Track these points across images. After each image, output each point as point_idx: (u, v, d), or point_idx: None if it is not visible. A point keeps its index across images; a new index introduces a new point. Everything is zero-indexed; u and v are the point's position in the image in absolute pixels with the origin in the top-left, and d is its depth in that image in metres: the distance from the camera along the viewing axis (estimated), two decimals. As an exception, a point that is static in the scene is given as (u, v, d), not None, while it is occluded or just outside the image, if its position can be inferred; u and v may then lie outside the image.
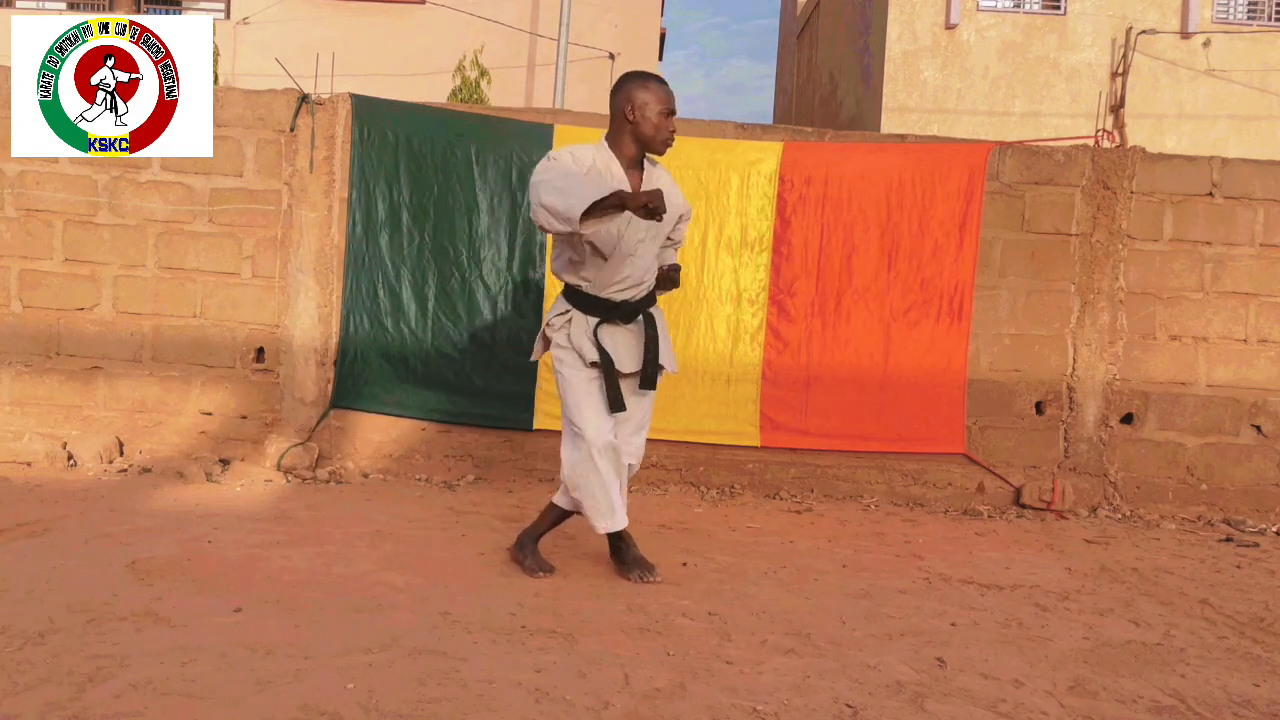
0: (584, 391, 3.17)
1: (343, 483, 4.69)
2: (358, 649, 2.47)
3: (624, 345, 3.22)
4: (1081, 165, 5.08)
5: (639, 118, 3.13)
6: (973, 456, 5.01)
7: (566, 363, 3.21)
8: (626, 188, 3.08)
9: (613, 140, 3.20)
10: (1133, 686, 2.54)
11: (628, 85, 3.18)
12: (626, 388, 3.21)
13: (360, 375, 4.99)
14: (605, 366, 3.16)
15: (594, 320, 3.19)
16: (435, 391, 5.00)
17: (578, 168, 3.06)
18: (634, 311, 3.23)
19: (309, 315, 4.99)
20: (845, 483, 5.03)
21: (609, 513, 3.17)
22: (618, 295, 3.19)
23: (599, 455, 3.11)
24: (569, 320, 3.22)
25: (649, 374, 3.22)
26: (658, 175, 3.27)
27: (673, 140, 3.21)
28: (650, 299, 3.30)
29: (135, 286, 4.97)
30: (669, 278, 3.32)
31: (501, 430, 5.01)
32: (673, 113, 3.18)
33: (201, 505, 4.04)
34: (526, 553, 3.34)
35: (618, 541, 3.33)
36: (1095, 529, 4.66)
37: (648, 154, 3.24)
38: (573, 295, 3.23)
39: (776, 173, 4.95)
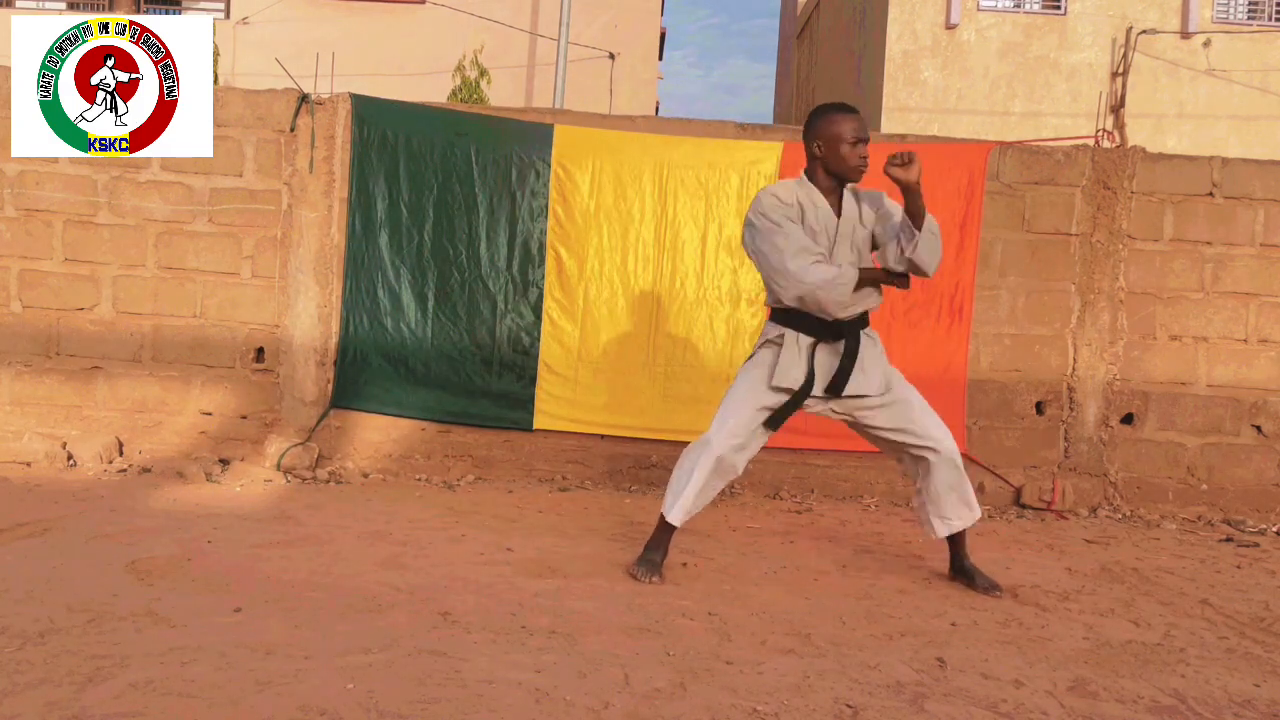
0: (744, 402, 3.31)
1: (343, 483, 4.69)
2: (358, 649, 2.47)
3: (828, 367, 3.29)
4: (1081, 165, 5.07)
5: (827, 152, 3.25)
6: (973, 456, 5.00)
7: (752, 374, 3.36)
8: (832, 221, 3.26)
9: (810, 174, 3.32)
10: (1133, 686, 2.54)
11: (815, 121, 3.31)
12: (856, 407, 3.33)
13: (360, 375, 4.99)
14: (799, 392, 3.27)
15: (808, 340, 3.28)
16: (435, 391, 5.00)
17: (792, 215, 3.22)
18: (842, 332, 3.28)
19: (309, 315, 4.99)
20: (845, 483, 5.03)
21: (676, 505, 3.31)
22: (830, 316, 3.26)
23: (713, 460, 3.26)
24: (781, 341, 3.31)
25: (837, 383, 3.27)
26: (854, 198, 3.33)
27: (865, 166, 3.25)
28: (863, 320, 3.34)
29: (135, 286, 4.97)
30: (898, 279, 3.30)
31: (501, 430, 5.01)
32: (861, 140, 3.22)
33: (201, 505, 4.04)
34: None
35: (658, 533, 3.40)
36: (1095, 529, 4.66)
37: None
38: (786, 317, 3.32)
39: (776, 173, 4.95)
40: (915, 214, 3.10)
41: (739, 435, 3.29)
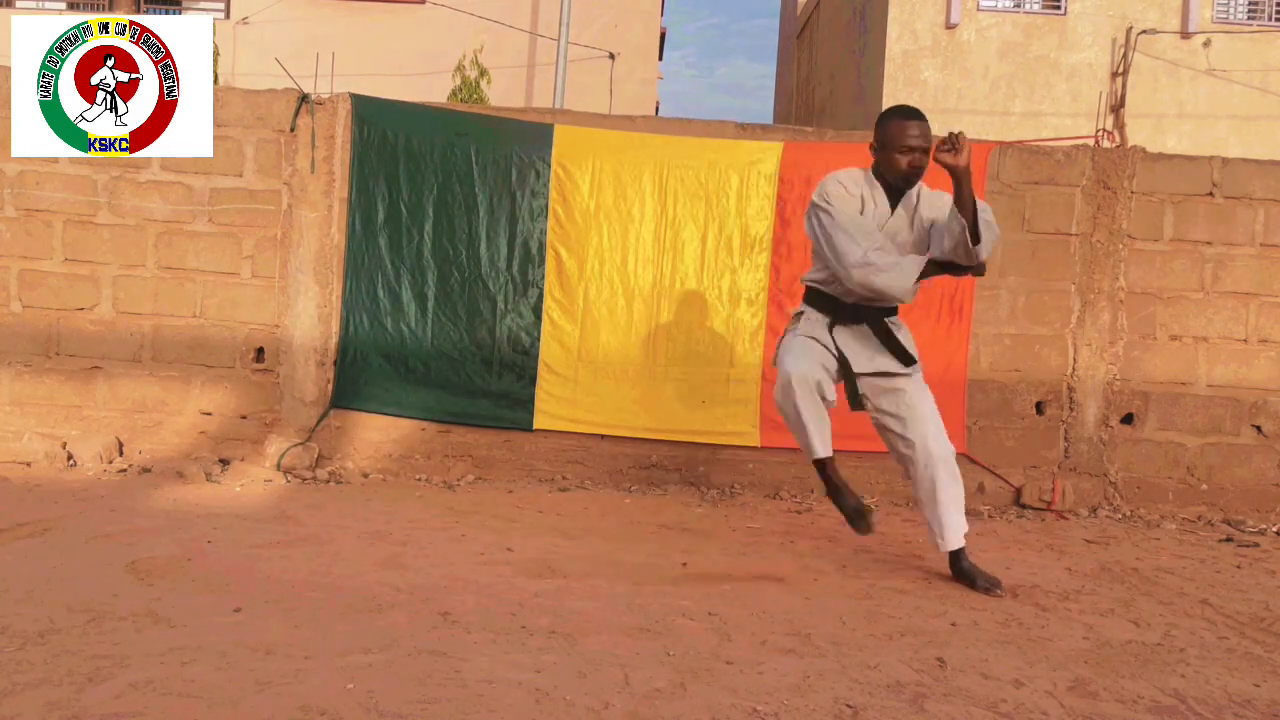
0: (796, 345, 3.40)
1: (343, 483, 4.69)
2: (358, 649, 2.47)
3: (856, 347, 3.38)
4: (1082, 165, 5.07)
5: (880, 154, 3.31)
6: (973, 457, 5.00)
7: (794, 331, 3.48)
8: (885, 219, 3.34)
9: (875, 170, 3.37)
10: (1133, 686, 2.54)
11: (880, 122, 3.36)
12: (872, 387, 3.41)
13: (360, 375, 4.98)
14: (842, 366, 3.37)
15: (826, 319, 3.40)
16: (435, 391, 5.00)
17: (854, 207, 3.29)
18: (865, 316, 3.38)
19: (309, 315, 4.99)
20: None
21: (807, 442, 3.37)
22: (851, 299, 3.37)
23: (797, 384, 3.28)
24: (803, 317, 3.47)
25: (901, 355, 3.36)
26: (914, 200, 3.38)
27: (914, 174, 3.30)
28: (890, 309, 3.42)
29: (135, 286, 4.97)
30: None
31: (501, 430, 5.00)
32: (914, 149, 3.25)
33: (201, 505, 4.04)
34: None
35: (823, 480, 3.50)
36: (1095, 529, 4.66)
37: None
38: (810, 297, 3.48)
39: (776, 173, 4.95)
40: (963, 201, 3.08)
41: (805, 358, 3.34)
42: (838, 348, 3.38)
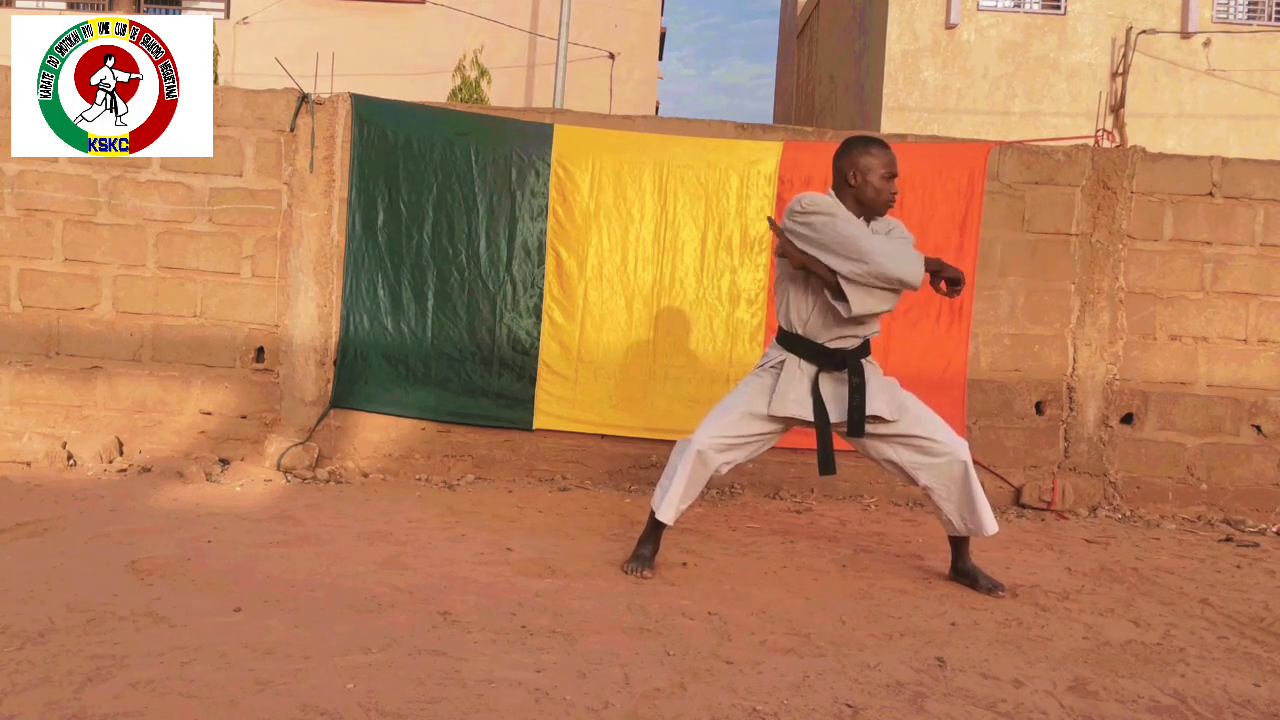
0: (734, 408, 3.34)
1: (342, 483, 4.69)
2: (358, 649, 2.47)
3: (835, 395, 3.30)
4: (1081, 165, 5.07)
5: (861, 182, 3.25)
6: (973, 456, 4.99)
7: (751, 386, 3.39)
8: None
9: (839, 196, 3.30)
10: (1133, 686, 2.54)
11: (852, 150, 3.29)
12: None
13: (360, 375, 4.99)
14: (820, 422, 3.28)
15: (811, 368, 3.29)
16: (435, 391, 5.00)
17: (845, 212, 3.23)
18: (845, 361, 3.29)
19: (309, 315, 4.99)
20: (845, 482, 5.02)
21: (664, 501, 3.34)
22: (833, 344, 3.29)
23: (695, 456, 3.29)
24: (781, 366, 3.33)
25: (855, 420, 3.27)
26: (881, 227, 3.34)
27: (893, 202, 3.30)
28: (865, 349, 3.35)
29: (135, 286, 4.97)
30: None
31: (501, 430, 5.01)
32: (893, 176, 3.26)
33: (201, 505, 4.04)
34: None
35: (649, 530, 3.43)
36: (1095, 529, 4.66)
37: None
38: (791, 342, 3.34)
39: (776, 173, 4.95)
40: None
41: (723, 435, 3.31)
42: (820, 405, 3.28)
